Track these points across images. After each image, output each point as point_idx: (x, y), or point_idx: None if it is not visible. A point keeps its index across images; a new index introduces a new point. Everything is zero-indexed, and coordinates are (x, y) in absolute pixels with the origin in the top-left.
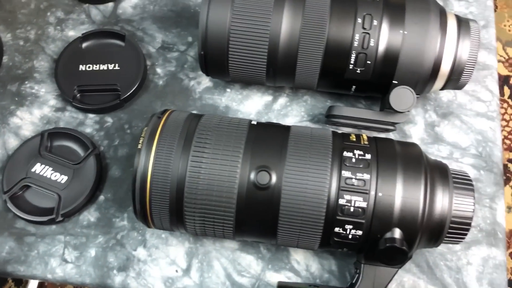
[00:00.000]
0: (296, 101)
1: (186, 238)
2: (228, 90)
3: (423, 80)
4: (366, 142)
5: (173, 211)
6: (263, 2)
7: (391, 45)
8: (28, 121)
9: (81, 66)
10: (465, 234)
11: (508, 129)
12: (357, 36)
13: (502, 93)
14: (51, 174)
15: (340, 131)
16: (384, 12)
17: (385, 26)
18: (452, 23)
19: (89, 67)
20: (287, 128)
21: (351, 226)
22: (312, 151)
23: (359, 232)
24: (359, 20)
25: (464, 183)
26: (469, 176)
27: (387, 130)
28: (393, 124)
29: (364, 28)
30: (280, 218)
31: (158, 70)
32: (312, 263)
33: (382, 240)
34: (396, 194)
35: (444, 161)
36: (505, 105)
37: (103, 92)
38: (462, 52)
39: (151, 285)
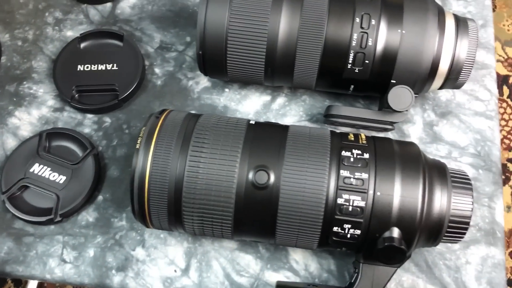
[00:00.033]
0: (295, 101)
1: (185, 238)
2: (227, 90)
3: (421, 79)
4: (364, 142)
5: (172, 211)
6: (261, 2)
7: (389, 44)
8: (26, 121)
9: (79, 66)
10: (464, 233)
11: (507, 128)
12: (355, 36)
13: (501, 92)
14: (50, 174)
15: (338, 131)
16: (382, 12)
17: (383, 26)
18: (450, 22)
19: (87, 67)
20: (285, 128)
21: (349, 226)
22: (310, 151)
23: (358, 232)
24: (357, 20)
25: (462, 182)
26: (467, 175)
27: (386, 130)
28: (391, 123)
29: (362, 28)
30: (278, 217)
31: (156, 70)
32: (311, 262)
33: (381, 239)
34: (394, 193)
35: (443, 161)
36: (504, 104)
37: (101, 92)
38: (460, 51)
39: (149, 285)
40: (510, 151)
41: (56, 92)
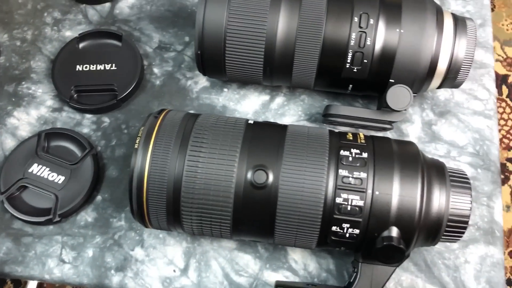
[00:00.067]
0: (293, 101)
1: (184, 238)
2: (225, 89)
3: (420, 78)
4: (363, 141)
5: (170, 210)
6: (259, 2)
7: (388, 43)
8: (25, 121)
9: (78, 66)
10: (463, 233)
11: (506, 128)
12: (353, 35)
13: (500, 92)
14: (48, 174)
15: (337, 130)
16: (380, 11)
17: (381, 25)
18: (448, 22)
19: (86, 67)
20: (284, 127)
21: (348, 225)
22: (309, 150)
23: (356, 231)
24: (356, 19)
25: (461, 182)
26: (466, 175)
27: (384, 129)
28: (390, 123)
29: (360, 27)
30: (277, 217)
31: (155, 70)
32: (310, 262)
33: (380, 239)
34: (393, 193)
35: (441, 160)
36: (503, 104)
37: (100, 92)
38: (458, 51)
39: (148, 285)
40: (509, 150)
41: (55, 92)
